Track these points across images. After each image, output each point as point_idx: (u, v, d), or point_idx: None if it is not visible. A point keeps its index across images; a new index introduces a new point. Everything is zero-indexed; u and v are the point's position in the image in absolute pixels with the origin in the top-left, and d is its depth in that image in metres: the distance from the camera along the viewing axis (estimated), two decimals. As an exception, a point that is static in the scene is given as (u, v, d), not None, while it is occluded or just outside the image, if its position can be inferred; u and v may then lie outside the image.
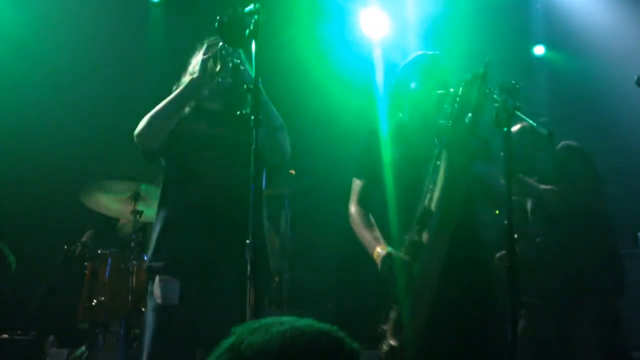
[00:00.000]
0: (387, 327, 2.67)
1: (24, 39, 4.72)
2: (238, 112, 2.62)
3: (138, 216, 4.02)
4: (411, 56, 2.97)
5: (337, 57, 5.00)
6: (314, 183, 4.63)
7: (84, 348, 3.89)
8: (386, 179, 2.93)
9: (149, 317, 2.86)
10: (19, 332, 4.21)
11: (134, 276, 3.89)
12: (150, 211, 3.87)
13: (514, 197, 3.49)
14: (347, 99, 4.89)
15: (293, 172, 4.29)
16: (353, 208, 2.99)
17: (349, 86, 4.91)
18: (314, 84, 4.95)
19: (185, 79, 2.97)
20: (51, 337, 3.97)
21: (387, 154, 2.94)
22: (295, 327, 0.82)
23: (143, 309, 3.56)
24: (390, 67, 4.47)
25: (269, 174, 2.97)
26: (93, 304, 3.87)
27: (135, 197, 4.05)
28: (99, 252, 3.98)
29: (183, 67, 3.04)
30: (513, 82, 2.43)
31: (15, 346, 3.89)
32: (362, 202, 2.97)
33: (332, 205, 4.70)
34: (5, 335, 4.16)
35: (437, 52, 2.96)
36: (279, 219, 4.36)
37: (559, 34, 5.31)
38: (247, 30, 2.41)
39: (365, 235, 2.89)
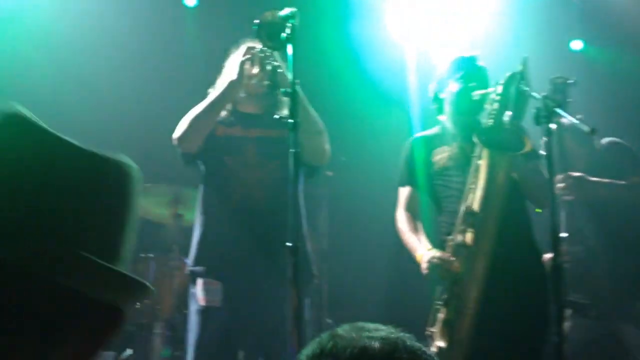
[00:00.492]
0: (434, 329, 2.67)
1: (59, 47, 4.78)
2: (275, 115, 2.64)
3: (179, 220, 4.07)
4: (449, 59, 2.98)
5: (374, 55, 4.99)
6: (352, 183, 4.63)
7: (130, 350, 3.95)
8: (431, 182, 2.93)
9: (193, 319, 2.90)
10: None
11: (177, 279, 3.95)
12: (190, 214, 3.92)
13: (567, 197, 3.46)
14: (384, 100, 4.88)
15: (331, 173, 4.29)
16: (399, 213, 3.00)
17: (385, 87, 4.90)
18: (349, 84, 4.95)
19: (220, 82, 3.00)
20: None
21: (430, 158, 2.95)
22: (385, 336, 0.85)
23: (185, 311, 3.61)
24: (424, 69, 4.46)
25: (307, 176, 2.99)
26: (137, 306, 3.93)
27: (176, 201, 4.10)
28: (141, 255, 4.04)
29: (218, 71, 3.07)
30: (564, 77, 2.41)
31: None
32: (408, 208, 2.98)
33: (370, 206, 4.70)
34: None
35: (474, 54, 2.97)
36: (317, 220, 4.37)
37: (598, 28, 5.22)
38: (284, 34, 2.43)
39: (410, 238, 2.90)
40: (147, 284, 0.77)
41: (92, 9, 4.84)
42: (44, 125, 0.76)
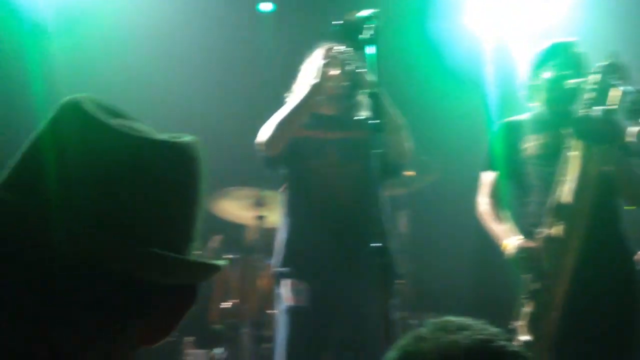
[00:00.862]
0: (520, 323, 2.62)
1: (133, 53, 4.88)
2: (357, 117, 2.64)
3: (262, 221, 4.14)
4: (546, 44, 2.89)
5: (450, 51, 4.92)
6: (432, 182, 4.58)
7: (222, 349, 4.06)
8: (518, 170, 2.86)
9: (280, 320, 2.94)
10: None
11: (261, 279, 4.02)
12: (273, 216, 3.98)
13: None
14: (461, 96, 4.80)
15: (413, 173, 4.24)
16: (483, 200, 2.92)
17: (462, 83, 4.82)
18: (427, 82, 4.90)
19: (297, 87, 3.02)
20: (192, 338, 4.18)
21: (519, 145, 2.88)
22: (468, 336, 0.83)
23: (269, 311, 3.67)
24: (504, 59, 4.36)
25: (389, 175, 2.97)
26: (224, 306, 4.03)
27: (259, 203, 4.16)
28: (227, 256, 4.13)
29: (294, 76, 3.09)
30: None
31: (157, 347, 4.09)
32: (493, 195, 2.91)
33: (452, 204, 4.64)
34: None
35: (572, 40, 2.87)
36: (399, 220, 4.35)
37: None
38: (367, 35, 2.42)
39: (495, 227, 2.83)
40: (217, 263, 0.77)
41: (167, 16, 4.94)
42: (103, 117, 0.74)
